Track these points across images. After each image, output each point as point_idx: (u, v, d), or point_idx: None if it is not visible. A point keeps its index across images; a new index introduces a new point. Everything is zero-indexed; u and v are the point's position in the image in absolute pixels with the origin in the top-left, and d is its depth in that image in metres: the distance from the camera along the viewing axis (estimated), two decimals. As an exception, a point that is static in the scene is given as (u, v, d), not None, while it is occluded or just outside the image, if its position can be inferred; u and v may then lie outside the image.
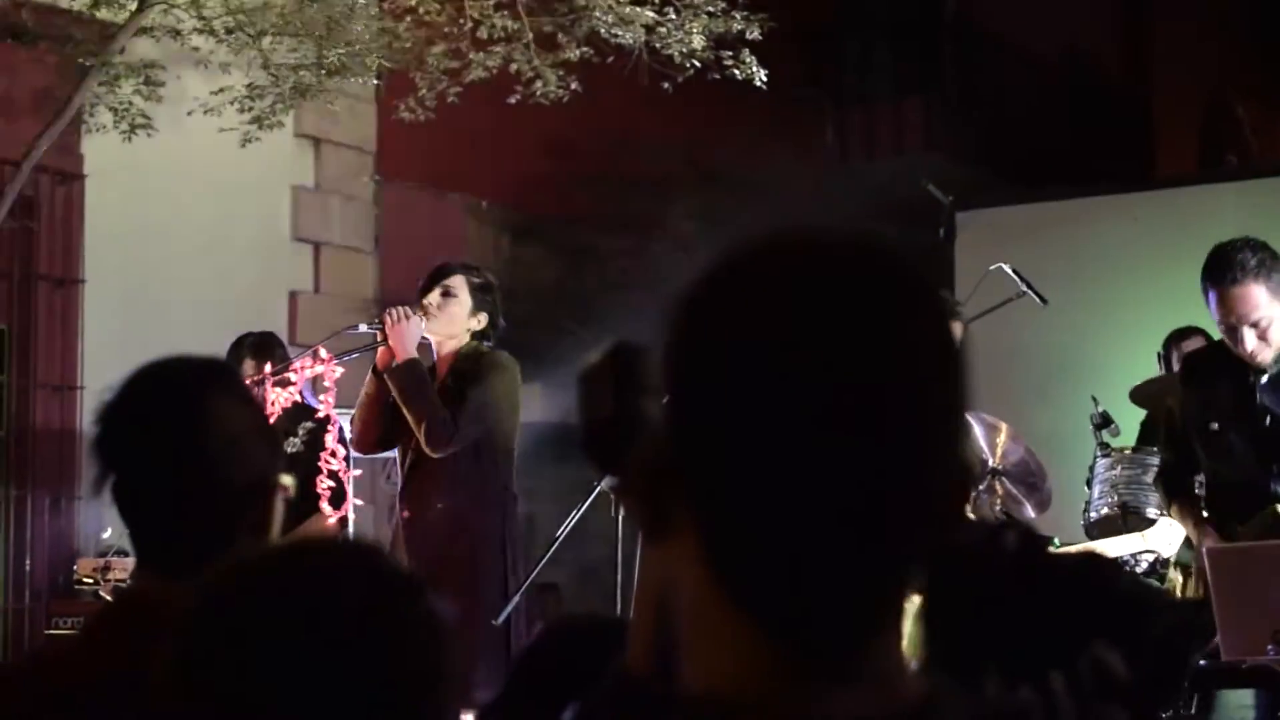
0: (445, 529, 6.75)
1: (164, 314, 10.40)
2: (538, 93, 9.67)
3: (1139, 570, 7.53)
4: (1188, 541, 6.88)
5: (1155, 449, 7.30)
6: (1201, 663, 5.72)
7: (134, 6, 9.15)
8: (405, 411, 6.77)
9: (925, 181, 12.03)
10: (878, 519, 1.39)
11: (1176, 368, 7.56)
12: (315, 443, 7.37)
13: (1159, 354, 8.89)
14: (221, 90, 9.70)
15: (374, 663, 1.96)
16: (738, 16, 9.43)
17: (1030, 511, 8.01)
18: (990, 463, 7.65)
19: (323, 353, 7.11)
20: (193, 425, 2.74)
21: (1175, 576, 7.15)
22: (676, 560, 1.45)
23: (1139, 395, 8.37)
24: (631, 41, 9.38)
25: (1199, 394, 6.44)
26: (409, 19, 9.66)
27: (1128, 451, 7.97)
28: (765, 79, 9.61)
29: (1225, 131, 17.48)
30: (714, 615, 1.42)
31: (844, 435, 1.37)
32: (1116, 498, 7.72)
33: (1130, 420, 8.60)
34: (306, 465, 7.15)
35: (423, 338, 6.93)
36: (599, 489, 5.68)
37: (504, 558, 6.78)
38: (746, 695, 1.39)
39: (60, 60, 9.18)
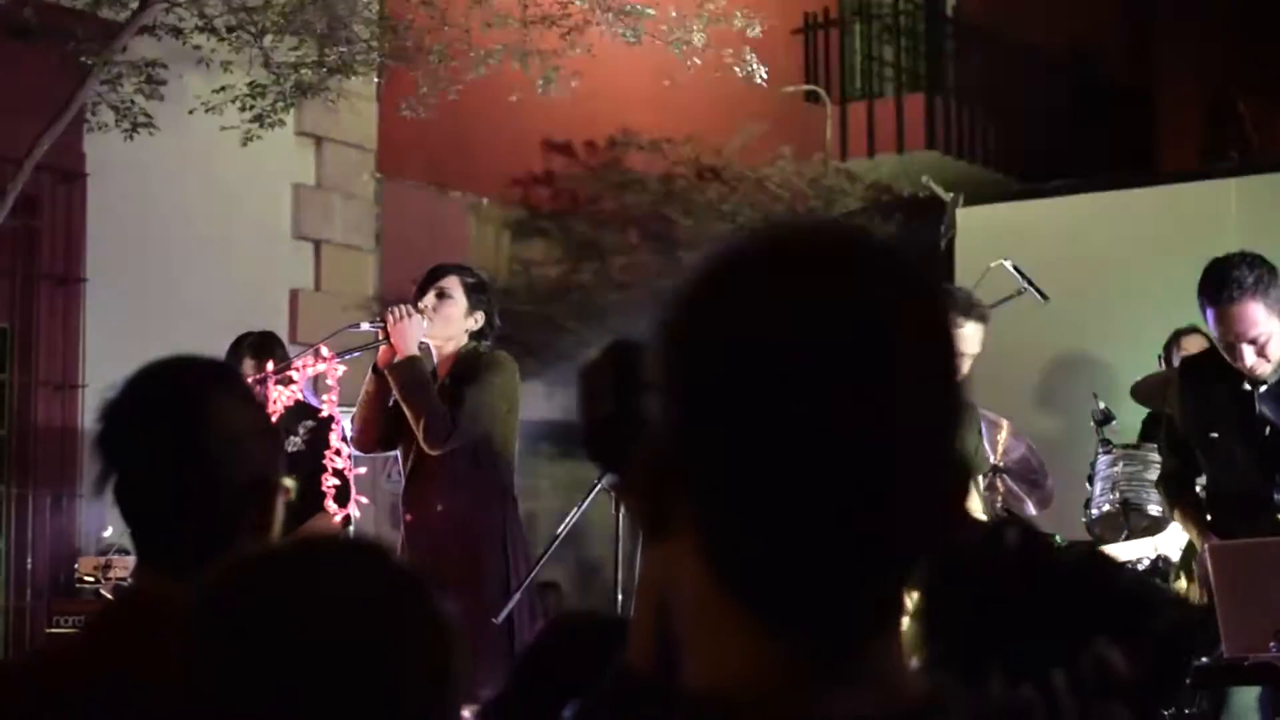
0: (447, 531, 6.76)
1: (166, 312, 10.40)
2: (539, 90, 9.68)
3: (1140, 569, 7.54)
4: (1190, 546, 6.88)
5: (1156, 446, 7.30)
6: (1204, 659, 5.73)
7: (135, 5, 9.15)
8: (405, 408, 6.77)
9: (926, 179, 12.04)
10: (878, 517, 1.39)
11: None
12: (316, 442, 7.37)
13: (1159, 355, 8.89)
14: (223, 89, 9.71)
15: (380, 660, 1.96)
16: (738, 13, 9.43)
17: (1032, 509, 8.01)
18: (992, 460, 7.65)
19: (324, 351, 7.11)
20: (194, 424, 2.74)
21: (1180, 584, 7.15)
22: (677, 558, 1.45)
23: (1141, 392, 8.36)
24: (632, 39, 9.38)
25: (1197, 400, 6.43)
26: (410, 17, 9.67)
27: (1128, 448, 7.97)
28: (765, 76, 9.62)
29: (1227, 128, 17.48)
30: (715, 613, 1.42)
31: (844, 434, 1.37)
32: (1117, 495, 7.72)
33: (1132, 417, 8.60)
34: (307, 464, 7.15)
35: (423, 341, 6.93)
36: (600, 487, 5.68)
37: (505, 558, 6.79)
38: (747, 693, 1.39)
39: (62, 59, 9.18)
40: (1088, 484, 8.03)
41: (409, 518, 6.86)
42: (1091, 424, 8.27)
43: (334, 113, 10.76)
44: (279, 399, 7.09)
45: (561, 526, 6.13)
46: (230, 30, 9.44)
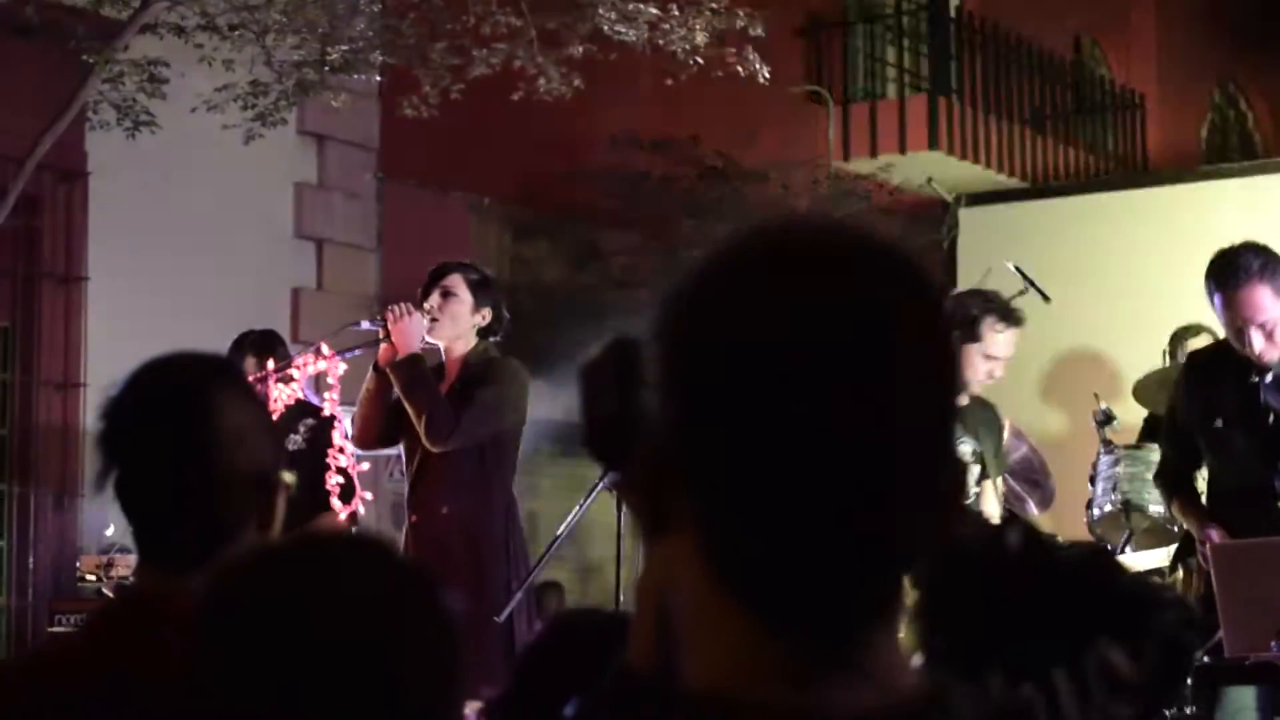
0: (451, 534, 6.75)
1: (167, 311, 10.40)
2: (541, 90, 9.68)
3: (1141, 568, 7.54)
4: (1188, 541, 6.88)
5: (1157, 445, 7.30)
6: (1204, 659, 5.73)
7: (137, 3, 9.16)
8: (407, 405, 6.76)
9: (929, 179, 12.04)
10: (878, 517, 1.39)
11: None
12: (317, 440, 7.37)
13: (1164, 351, 8.88)
14: (225, 87, 9.71)
15: (383, 658, 1.97)
16: (741, 13, 9.43)
17: (1033, 509, 8.01)
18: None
19: (325, 349, 7.11)
20: (195, 421, 2.74)
21: (1176, 575, 7.15)
22: (676, 557, 1.45)
23: (1142, 390, 8.36)
24: (634, 38, 9.39)
25: (1202, 392, 6.45)
26: (412, 15, 9.67)
27: (1130, 449, 7.97)
28: (768, 76, 9.62)
29: (1228, 127, 17.48)
30: (714, 612, 1.42)
31: (844, 434, 1.37)
32: (1119, 495, 7.72)
33: (1134, 417, 8.60)
34: (308, 462, 7.15)
35: (431, 343, 6.92)
36: (601, 486, 5.68)
37: (508, 562, 6.79)
38: (747, 691, 1.39)
39: (64, 57, 9.19)
40: (1089, 484, 8.03)
41: (414, 518, 6.86)
42: (1093, 424, 8.26)
43: (336, 112, 10.76)
44: (280, 397, 7.09)
45: (564, 526, 6.13)
46: (232, 29, 9.44)
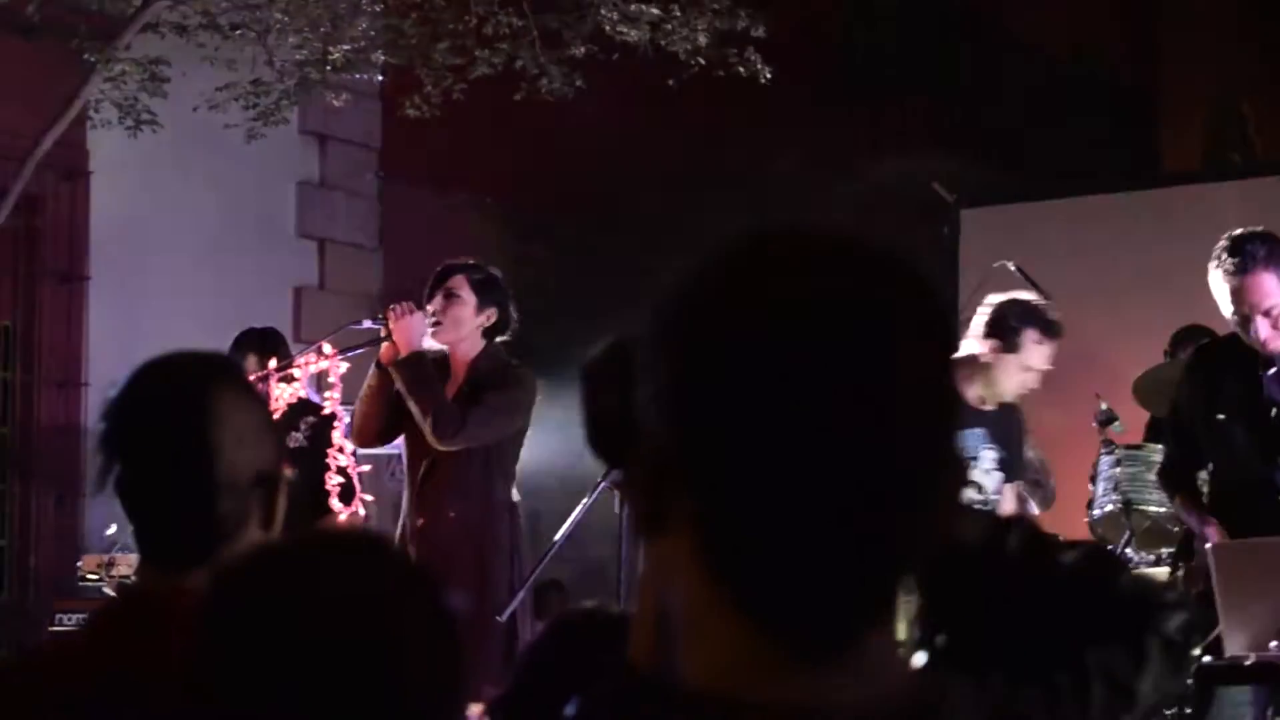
0: (457, 537, 6.75)
1: (168, 310, 10.41)
2: (543, 90, 9.68)
3: (1141, 566, 7.54)
4: (1188, 540, 6.88)
5: (1158, 445, 7.31)
6: (1205, 659, 5.73)
7: (139, 2, 9.16)
8: (411, 404, 6.76)
9: (931, 180, 12.03)
10: (877, 517, 1.39)
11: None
12: (318, 438, 7.37)
13: (1165, 352, 8.89)
14: (227, 86, 9.71)
15: (385, 657, 1.97)
16: (742, 14, 9.44)
17: (1034, 508, 8.01)
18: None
19: (326, 348, 7.11)
20: (197, 421, 2.75)
21: (1178, 574, 7.15)
22: (675, 557, 1.45)
23: (1142, 390, 8.36)
24: (636, 39, 9.39)
25: (1206, 386, 6.45)
26: (414, 15, 9.67)
27: (1131, 449, 7.97)
28: (770, 76, 9.62)
29: (1230, 129, 17.47)
30: (712, 611, 1.42)
31: (843, 434, 1.37)
32: (1119, 495, 7.73)
33: (1135, 417, 8.60)
34: (310, 460, 7.15)
35: (435, 346, 6.92)
36: (603, 485, 5.68)
37: (510, 564, 6.80)
38: (744, 690, 1.39)
39: (65, 55, 9.19)
40: (1090, 484, 8.03)
41: (420, 520, 6.86)
42: (1094, 424, 8.26)
43: (337, 111, 10.76)
44: (281, 396, 7.09)
45: (565, 525, 6.13)
46: (234, 27, 9.45)
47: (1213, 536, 6.22)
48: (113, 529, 9.51)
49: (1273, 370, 6.16)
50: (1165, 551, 7.71)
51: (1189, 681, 5.69)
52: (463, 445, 6.75)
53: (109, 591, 8.80)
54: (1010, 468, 7.37)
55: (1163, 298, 9.62)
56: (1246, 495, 6.29)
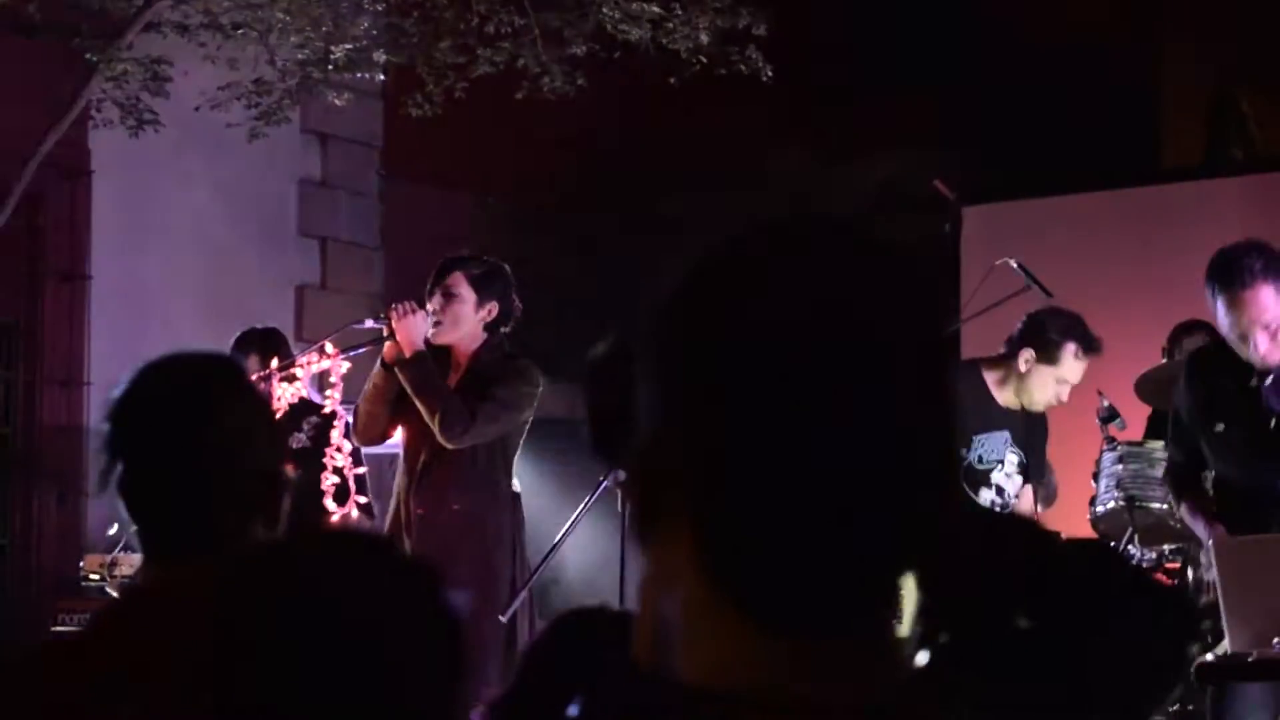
0: (459, 530, 6.75)
1: (170, 309, 10.42)
2: (545, 89, 9.69)
3: (1145, 564, 7.54)
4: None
5: (1161, 442, 7.31)
6: (1208, 656, 5.73)
7: (141, 1, 9.16)
8: (419, 403, 6.76)
9: (932, 177, 12.03)
10: (876, 516, 1.39)
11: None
12: (321, 438, 7.37)
13: (1164, 348, 8.88)
14: (228, 85, 9.71)
15: (388, 657, 1.97)
16: (744, 12, 9.44)
17: (1038, 505, 8.01)
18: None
19: (328, 348, 7.11)
20: (200, 421, 2.75)
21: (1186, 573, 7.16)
22: (672, 556, 1.45)
23: (1144, 385, 8.35)
24: (638, 37, 9.39)
25: (1203, 394, 6.43)
26: (415, 14, 9.67)
27: (1133, 445, 7.96)
28: (771, 74, 9.63)
29: (1230, 126, 17.46)
30: (710, 610, 1.42)
31: (842, 433, 1.37)
32: (1122, 492, 7.72)
33: (1137, 414, 8.59)
34: (313, 460, 7.15)
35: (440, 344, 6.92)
36: (605, 483, 5.69)
37: (513, 559, 6.80)
38: (744, 689, 1.40)
39: (67, 55, 9.19)
40: (1092, 481, 8.03)
41: (420, 512, 6.85)
42: (1096, 421, 8.26)
43: (339, 110, 10.76)
44: (283, 396, 7.08)
45: (568, 523, 6.14)
46: (235, 27, 9.45)
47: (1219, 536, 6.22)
48: (115, 529, 9.52)
49: (1270, 380, 6.14)
50: (1168, 548, 7.71)
51: (1191, 678, 5.69)
52: (471, 442, 6.76)
53: (111, 591, 8.80)
54: (1031, 472, 7.40)
55: (1164, 293, 9.62)
56: (1248, 503, 6.28)
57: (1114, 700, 2.03)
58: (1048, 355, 7.18)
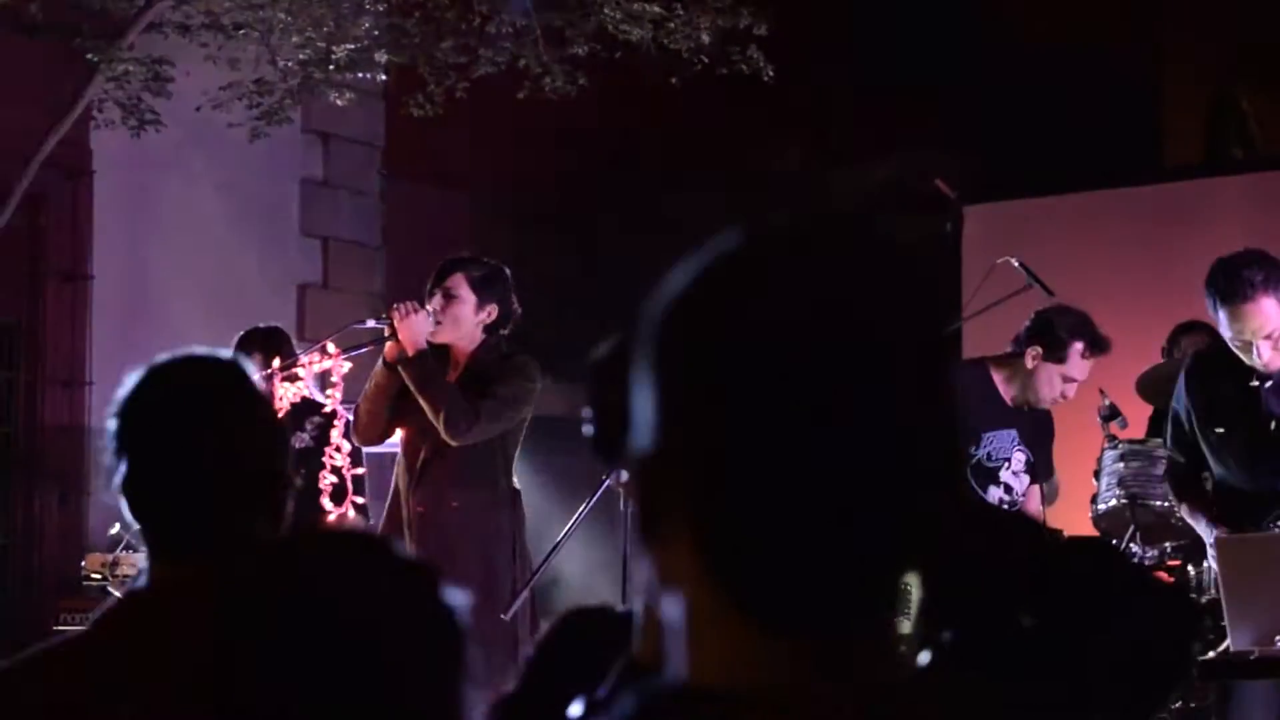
0: (459, 527, 6.76)
1: (172, 309, 10.42)
2: (546, 88, 9.69)
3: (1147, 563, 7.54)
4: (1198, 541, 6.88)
5: (1162, 441, 7.31)
6: (1210, 654, 5.73)
7: (142, 1, 9.17)
8: (423, 401, 6.76)
9: (933, 177, 12.02)
10: (877, 516, 1.39)
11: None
12: (323, 438, 7.37)
13: (1164, 347, 8.89)
14: (230, 85, 9.72)
15: (389, 657, 1.97)
16: (745, 12, 9.44)
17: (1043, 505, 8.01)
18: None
19: (330, 347, 7.11)
20: (206, 421, 2.76)
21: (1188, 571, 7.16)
22: (673, 554, 1.45)
23: (1146, 386, 8.36)
24: (639, 37, 9.40)
25: (1203, 396, 6.43)
26: (417, 14, 9.67)
27: (1135, 444, 7.96)
28: (772, 74, 9.63)
29: (1231, 125, 17.46)
30: (711, 610, 1.42)
31: (843, 433, 1.37)
32: (1124, 490, 7.72)
33: (1138, 412, 8.59)
34: (316, 460, 7.15)
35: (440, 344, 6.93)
36: (607, 483, 5.69)
37: (514, 558, 6.80)
38: (744, 688, 1.40)
39: (69, 55, 9.19)
40: (1094, 479, 8.02)
41: (420, 510, 6.86)
42: (1098, 419, 8.26)
43: (341, 110, 10.76)
44: (284, 396, 7.09)
45: (570, 523, 6.14)
46: (237, 27, 9.45)
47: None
48: (116, 528, 9.52)
49: (1270, 383, 6.15)
50: (1169, 546, 7.71)
51: (1193, 675, 5.69)
52: (475, 439, 6.77)
53: (113, 591, 8.79)
54: (1038, 471, 7.41)
55: (1165, 292, 9.62)
56: (1249, 506, 6.29)
57: (1116, 699, 2.04)
58: (1055, 353, 7.19)
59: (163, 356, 2.83)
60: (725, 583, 1.41)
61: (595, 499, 6.02)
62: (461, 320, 6.93)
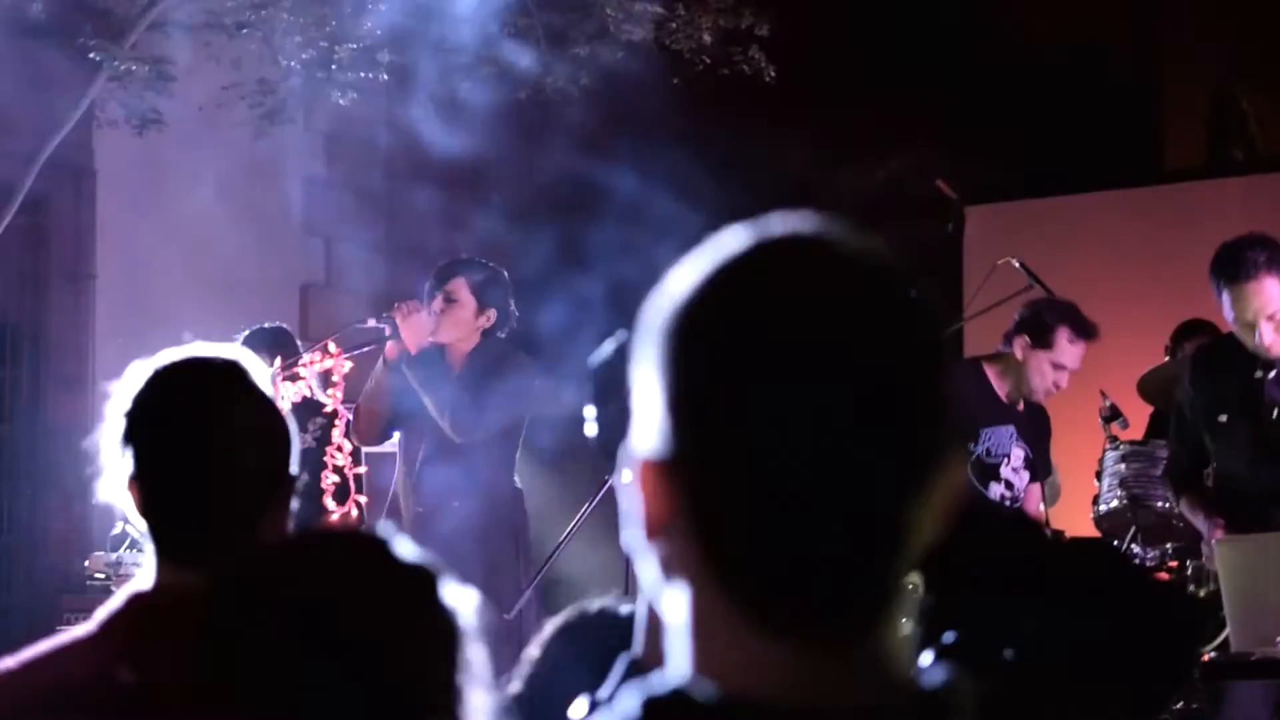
0: (460, 525, 6.76)
1: (175, 309, 10.41)
2: (547, 88, 9.69)
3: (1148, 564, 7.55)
4: (1195, 537, 6.89)
5: (1163, 442, 7.32)
6: (1211, 654, 5.73)
7: (145, 1, 9.16)
8: (426, 400, 6.77)
9: (935, 178, 12.03)
10: (878, 515, 1.40)
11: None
12: (326, 438, 7.38)
13: (1167, 346, 8.89)
14: (233, 85, 9.71)
15: (390, 657, 1.98)
16: (746, 12, 9.44)
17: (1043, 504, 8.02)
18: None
19: (332, 347, 7.12)
20: (211, 421, 2.76)
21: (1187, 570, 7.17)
22: (674, 555, 1.46)
23: (1146, 385, 8.37)
24: (640, 37, 9.40)
25: (1206, 387, 6.46)
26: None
27: (1136, 445, 7.97)
28: (774, 74, 9.64)
29: (1231, 126, 17.43)
30: (714, 610, 1.43)
31: (843, 433, 1.38)
32: (1125, 491, 7.73)
33: (1139, 414, 8.60)
34: (318, 461, 7.16)
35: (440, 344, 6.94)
36: (609, 483, 5.69)
37: (517, 557, 6.81)
38: (748, 690, 1.40)
39: (71, 55, 9.19)
40: (1095, 480, 8.03)
41: (421, 510, 6.86)
42: (1099, 420, 8.27)
43: (344, 109, 10.76)
44: (286, 396, 7.09)
45: (572, 523, 6.15)
46: (240, 27, 9.45)
47: (1220, 535, 6.23)
48: (119, 529, 9.52)
49: (1274, 373, 6.18)
50: (1171, 547, 7.72)
51: (1194, 676, 5.70)
52: (479, 437, 6.78)
53: (116, 590, 8.80)
54: (1037, 467, 7.42)
55: (1166, 293, 9.63)
56: (1250, 496, 6.30)
57: (1117, 699, 2.04)
58: (1042, 340, 7.22)
59: (166, 356, 2.83)
60: (727, 583, 1.42)
61: (597, 499, 6.03)
62: (461, 323, 6.95)
